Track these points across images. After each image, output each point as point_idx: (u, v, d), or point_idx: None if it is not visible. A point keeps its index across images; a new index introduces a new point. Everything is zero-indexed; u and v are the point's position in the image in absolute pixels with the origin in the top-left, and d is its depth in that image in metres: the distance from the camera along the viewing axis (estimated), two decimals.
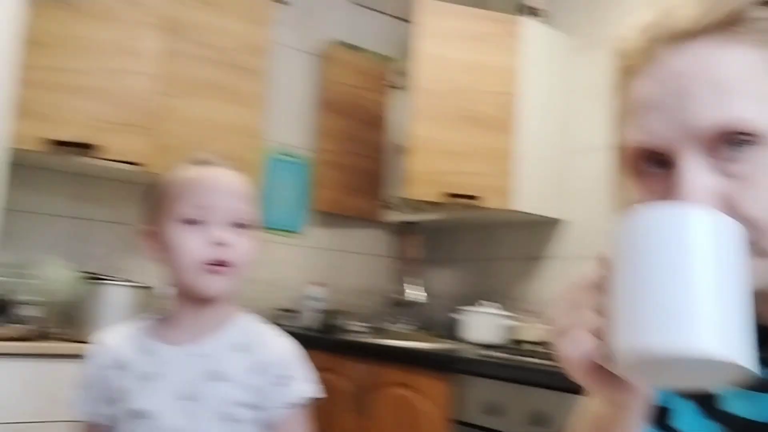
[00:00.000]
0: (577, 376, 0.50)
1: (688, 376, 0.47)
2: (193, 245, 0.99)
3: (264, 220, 2.93)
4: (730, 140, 0.50)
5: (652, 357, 0.44)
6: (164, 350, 1.03)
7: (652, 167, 0.55)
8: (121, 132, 2.28)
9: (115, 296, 2.10)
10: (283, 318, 2.85)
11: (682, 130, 0.52)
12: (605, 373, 0.49)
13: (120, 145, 2.28)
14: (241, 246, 1.02)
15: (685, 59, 0.52)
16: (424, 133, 2.56)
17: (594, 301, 0.50)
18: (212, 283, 1.00)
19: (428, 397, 2.06)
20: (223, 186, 1.04)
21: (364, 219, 3.15)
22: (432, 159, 2.54)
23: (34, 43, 2.11)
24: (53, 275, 2.03)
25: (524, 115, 2.53)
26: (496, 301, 2.65)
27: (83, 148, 2.22)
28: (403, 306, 3.01)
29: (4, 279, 2.18)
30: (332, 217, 3.10)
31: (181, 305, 1.05)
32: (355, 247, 3.18)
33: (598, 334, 0.48)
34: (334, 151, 3.08)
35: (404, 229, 3.10)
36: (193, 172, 1.05)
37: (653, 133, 0.53)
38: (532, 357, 1.95)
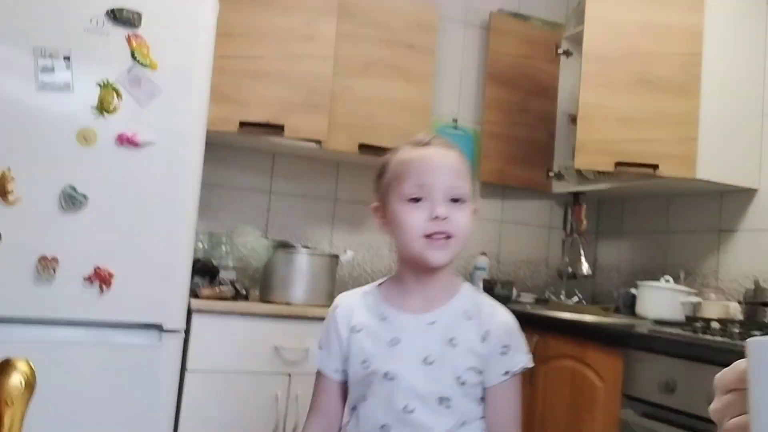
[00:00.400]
0: None
1: None
2: (416, 220, 1.09)
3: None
4: None
5: None
6: (401, 318, 1.14)
7: None
8: (303, 112, 2.46)
9: (303, 263, 2.28)
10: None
11: None
12: None
13: (302, 124, 2.46)
14: (459, 219, 1.10)
15: None
16: (596, 101, 2.47)
17: (738, 405, 0.51)
18: (435, 254, 1.10)
19: (600, 371, 2.03)
20: (441, 165, 1.12)
21: (532, 189, 3.12)
22: (605, 127, 2.45)
23: (225, 35, 2.34)
24: (249, 243, 2.26)
25: (711, 77, 2.35)
26: (675, 276, 2.52)
27: (270, 128, 2.43)
28: (570, 278, 2.96)
29: (207, 246, 2.47)
30: (500, 188, 3.11)
31: (408, 274, 1.16)
32: (522, 218, 3.17)
33: None
34: (502, 122, 3.07)
35: (574, 200, 3.03)
36: (414, 153, 1.14)
37: None
38: (711, 334, 1.85)
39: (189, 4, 2.03)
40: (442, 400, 1.10)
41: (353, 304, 1.20)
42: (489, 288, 2.79)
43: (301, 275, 2.27)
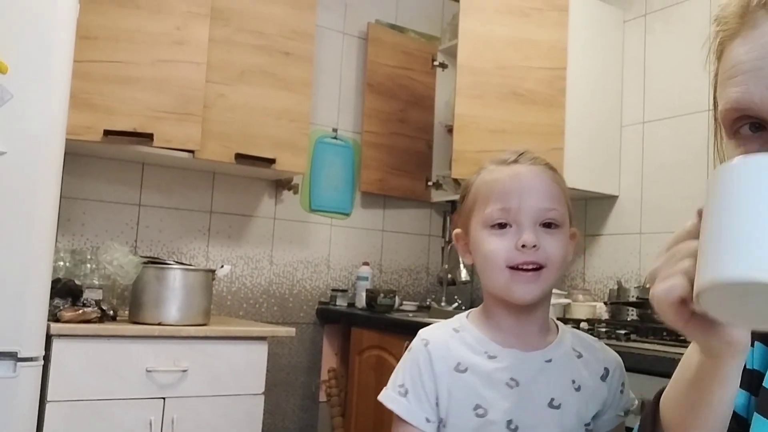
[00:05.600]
0: (670, 319, 0.52)
1: (765, 310, 0.48)
2: (500, 249, 0.95)
3: (312, 202, 2.97)
4: None
5: (727, 283, 0.46)
6: (514, 355, 0.97)
7: (748, 130, 0.56)
8: (174, 121, 2.34)
9: (176, 279, 2.16)
10: (334, 298, 2.91)
11: None
12: (697, 318, 0.51)
13: (173, 133, 2.34)
14: (551, 247, 0.96)
15: None
16: (470, 112, 2.55)
17: (688, 248, 0.52)
18: (522, 289, 0.95)
19: None
20: (530, 185, 0.98)
21: (411, 199, 3.17)
22: (478, 137, 2.53)
23: (88, 38, 2.18)
24: (116, 260, 2.11)
25: (574, 90, 2.49)
26: None
27: (138, 137, 2.29)
28: (450, 284, 3.02)
29: (69, 264, 2.28)
30: (381, 197, 3.13)
31: (499, 311, 1.00)
32: (403, 226, 3.21)
33: (689, 276, 0.50)
34: (382, 132, 3.09)
35: (452, 209, 3.10)
36: (500, 173, 1.00)
37: (748, 95, 0.54)
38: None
39: (45, 2, 1.87)
40: None
41: (447, 339, 1.00)
42: (372, 298, 2.79)
43: (173, 293, 2.15)
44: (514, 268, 0.94)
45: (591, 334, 1.94)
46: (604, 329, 1.99)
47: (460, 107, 2.57)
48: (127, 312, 2.21)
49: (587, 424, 0.97)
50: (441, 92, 3.16)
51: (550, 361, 0.98)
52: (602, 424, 0.99)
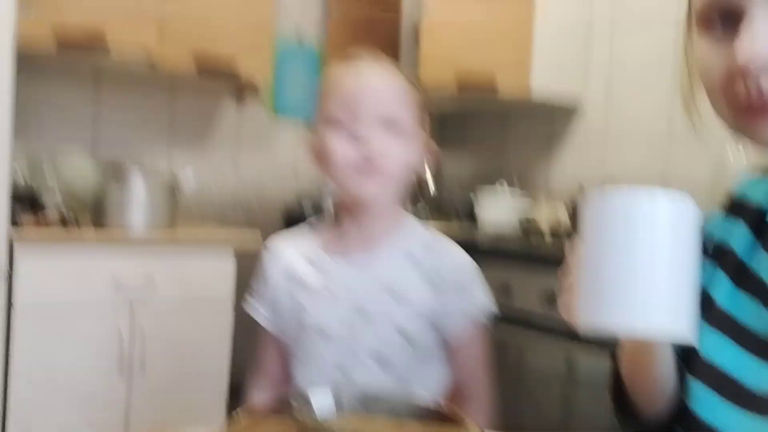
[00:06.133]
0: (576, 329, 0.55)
1: (637, 336, 0.55)
2: (338, 145, 0.93)
3: (277, 108, 2.92)
4: None
5: (608, 332, 0.50)
6: (336, 265, 0.99)
7: (720, 26, 0.56)
8: (128, 22, 2.23)
9: (139, 184, 2.12)
10: (299, 206, 2.91)
11: None
12: None
13: (127, 36, 2.23)
14: (389, 147, 0.93)
15: None
16: (439, 13, 2.48)
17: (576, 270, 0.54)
18: (361, 186, 0.93)
19: None
20: (370, 81, 0.95)
21: None
22: (446, 40, 2.47)
23: None
24: (75, 165, 2.06)
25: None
26: (510, 183, 2.68)
27: (92, 45, 2.17)
28: (417, 189, 3.03)
29: (27, 172, 2.22)
30: None
31: (344, 214, 0.99)
32: None
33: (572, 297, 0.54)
34: (347, 36, 3.00)
35: None
36: (341, 70, 0.98)
37: None
38: (543, 238, 1.99)
39: None
40: (381, 359, 0.95)
41: (286, 248, 1.03)
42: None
43: (137, 198, 2.11)
44: (350, 166, 0.92)
45: (553, 240, 1.99)
46: (565, 234, 2.04)
47: (427, 8, 2.49)
48: (89, 219, 2.18)
49: (405, 331, 0.95)
50: None
51: (369, 266, 0.97)
52: (448, 331, 0.98)
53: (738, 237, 0.68)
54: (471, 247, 2.02)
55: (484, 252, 2.00)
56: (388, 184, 0.95)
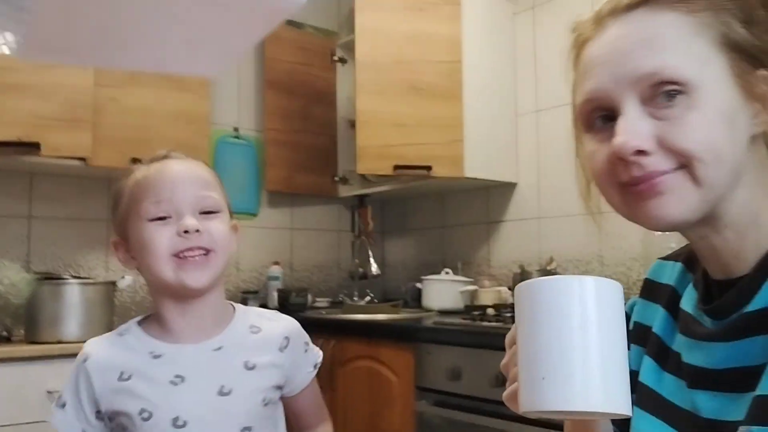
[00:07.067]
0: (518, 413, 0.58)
1: (578, 415, 0.56)
2: (163, 239, 0.95)
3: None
4: (664, 91, 0.59)
5: (547, 414, 0.53)
6: (181, 350, 0.99)
7: (600, 122, 0.65)
8: (63, 128, 2.22)
9: (75, 294, 2.07)
10: (246, 300, 2.86)
11: (623, 80, 0.61)
12: None
13: (62, 141, 2.22)
14: (214, 230, 0.97)
15: (627, 25, 0.62)
16: (372, 107, 2.57)
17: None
18: (192, 276, 0.95)
19: (394, 366, 2.12)
20: (182, 177, 0.99)
21: (319, 195, 3.16)
22: (381, 132, 2.55)
23: None
24: (8, 278, 1.99)
25: (471, 83, 2.55)
26: (453, 268, 2.71)
27: (26, 147, 2.16)
28: (362, 278, 3.05)
29: None
30: (288, 195, 3.11)
31: (169, 308, 1.00)
32: (311, 223, 3.20)
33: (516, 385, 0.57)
34: (285, 130, 3.06)
35: (359, 203, 3.12)
36: (150, 169, 1.00)
37: (600, 84, 0.63)
38: (487, 321, 2.01)
39: None
40: (245, 431, 0.99)
41: (110, 349, 1.00)
42: (285, 297, 2.77)
43: (72, 309, 2.05)
44: (178, 256, 0.95)
45: (497, 319, 2.02)
46: (509, 313, 2.07)
47: (361, 103, 2.58)
48: (23, 332, 2.09)
49: (264, 399, 1.01)
50: (342, 87, 3.16)
51: (220, 349, 1.00)
52: (297, 383, 1.09)
53: (658, 320, 0.73)
54: (419, 334, 2.03)
55: (432, 339, 2.00)
56: (218, 269, 0.99)
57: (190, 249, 0.95)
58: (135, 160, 2.31)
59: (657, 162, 0.60)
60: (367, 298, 3.01)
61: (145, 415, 0.95)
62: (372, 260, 2.99)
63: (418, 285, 2.74)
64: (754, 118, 0.61)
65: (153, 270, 0.96)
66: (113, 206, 1.05)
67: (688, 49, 0.60)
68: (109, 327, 2.14)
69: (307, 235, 3.18)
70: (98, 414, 0.99)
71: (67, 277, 2.17)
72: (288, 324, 1.10)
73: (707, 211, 0.61)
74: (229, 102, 2.96)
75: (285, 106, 3.05)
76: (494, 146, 2.63)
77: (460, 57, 2.54)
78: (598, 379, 0.51)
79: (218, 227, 0.99)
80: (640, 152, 0.59)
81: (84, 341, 2.01)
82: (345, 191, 3.12)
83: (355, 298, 3.01)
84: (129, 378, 0.97)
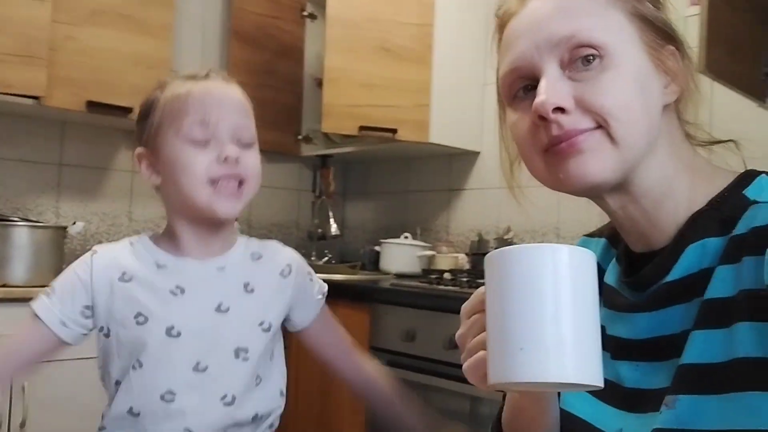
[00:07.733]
0: (481, 387, 0.57)
1: (551, 387, 0.57)
2: (201, 163, 0.93)
3: None
4: (581, 56, 0.62)
5: (518, 386, 0.53)
6: (184, 264, 0.99)
7: (522, 93, 0.66)
8: (16, 64, 2.12)
9: (23, 237, 2.00)
10: None
11: (542, 45, 0.63)
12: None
13: (15, 77, 2.12)
14: (250, 161, 0.97)
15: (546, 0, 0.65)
16: (341, 65, 2.53)
17: (480, 324, 0.57)
18: (225, 205, 0.95)
19: (348, 326, 2.11)
20: (228, 101, 0.98)
21: (280, 153, 3.11)
22: (349, 91, 2.51)
23: None
24: None
25: (441, 47, 2.53)
26: (412, 233, 2.72)
27: None
28: (321, 239, 3.03)
29: None
30: None
31: (184, 230, 1.00)
32: (272, 181, 3.15)
33: (481, 356, 0.56)
34: (248, 83, 2.94)
35: (322, 163, 3.09)
36: (193, 87, 0.98)
37: (521, 53, 0.65)
38: (443, 285, 2.03)
39: None
40: (239, 351, 0.98)
41: (117, 251, 1.00)
42: None
43: (20, 252, 1.98)
44: (214, 183, 0.94)
45: (453, 283, 2.04)
46: (465, 279, 2.09)
47: (330, 60, 2.53)
48: None
49: (263, 323, 1.02)
50: (311, 44, 3.10)
51: (223, 268, 1.01)
52: (308, 311, 1.10)
53: None
54: (375, 294, 2.04)
55: (388, 300, 2.01)
56: (247, 200, 0.99)
57: (227, 176, 0.94)
58: (91, 104, 2.27)
59: (575, 120, 0.61)
60: (325, 259, 3.00)
61: (141, 319, 0.95)
62: (332, 221, 2.98)
63: (377, 248, 2.75)
64: (665, 87, 0.64)
65: (184, 191, 0.94)
66: (142, 115, 1.01)
67: (602, 17, 0.63)
68: (58, 273, 2.08)
69: (266, 192, 3.14)
70: (87, 310, 0.97)
71: (16, 219, 2.09)
72: (291, 253, 1.11)
73: (626, 171, 0.63)
74: (191, 50, 2.87)
75: (250, 59, 2.97)
76: (460, 114, 2.62)
77: (431, 20, 2.51)
78: (573, 349, 0.50)
79: (254, 159, 0.99)
80: (560, 110, 0.61)
81: (31, 286, 1.98)
82: (308, 150, 3.08)
83: (313, 258, 3.00)
84: (130, 280, 0.97)
